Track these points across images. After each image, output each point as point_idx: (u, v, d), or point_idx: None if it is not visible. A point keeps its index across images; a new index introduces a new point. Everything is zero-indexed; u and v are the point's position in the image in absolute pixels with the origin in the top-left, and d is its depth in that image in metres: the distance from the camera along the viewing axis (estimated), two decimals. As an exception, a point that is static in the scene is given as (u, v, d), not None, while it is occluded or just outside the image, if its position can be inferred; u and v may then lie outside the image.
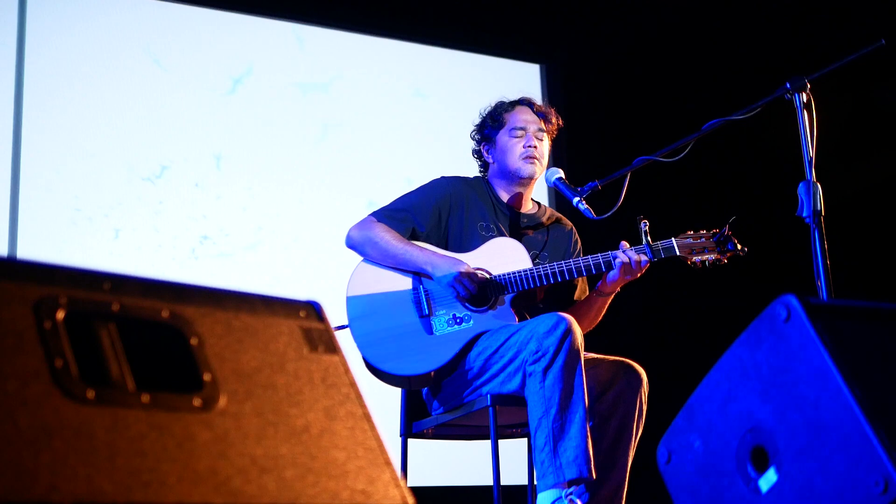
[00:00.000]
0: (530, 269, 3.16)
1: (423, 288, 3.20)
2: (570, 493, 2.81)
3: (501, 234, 3.32)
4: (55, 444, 1.09)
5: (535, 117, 3.41)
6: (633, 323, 5.29)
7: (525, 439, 3.37)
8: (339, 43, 5.45)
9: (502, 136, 3.40)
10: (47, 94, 4.72)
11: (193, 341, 1.29)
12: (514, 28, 5.90)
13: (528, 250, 3.26)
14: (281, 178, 5.14)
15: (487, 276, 3.19)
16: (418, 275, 3.22)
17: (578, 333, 2.92)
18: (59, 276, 1.22)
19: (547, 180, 3.36)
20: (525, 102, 3.46)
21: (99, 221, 4.71)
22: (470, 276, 3.14)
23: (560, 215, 3.54)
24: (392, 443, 3.24)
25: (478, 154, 3.51)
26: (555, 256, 3.36)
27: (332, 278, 3.56)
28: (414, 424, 3.31)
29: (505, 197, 3.42)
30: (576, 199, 3.20)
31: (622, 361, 3.14)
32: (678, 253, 3.15)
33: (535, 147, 3.36)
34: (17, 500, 1.03)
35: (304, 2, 5.40)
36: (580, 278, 3.34)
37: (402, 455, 3.30)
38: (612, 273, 3.15)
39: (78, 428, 1.12)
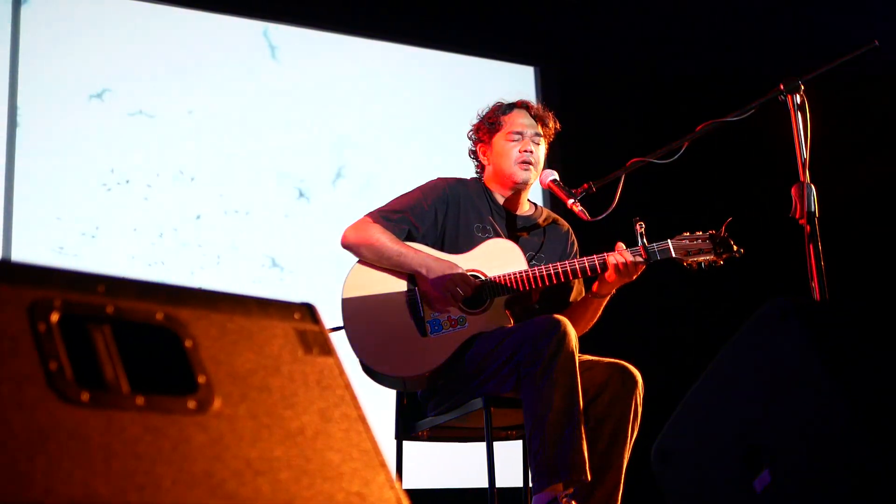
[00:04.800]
0: (525, 271, 3.16)
1: (419, 289, 3.20)
2: (566, 495, 2.81)
3: (497, 236, 3.32)
4: (50, 447, 1.09)
5: (531, 121, 3.40)
6: (628, 325, 5.29)
7: (520, 441, 3.37)
8: (335, 46, 5.45)
9: (499, 140, 3.40)
10: (42, 96, 4.72)
11: (188, 343, 1.29)
12: (508, 30, 5.91)
13: (525, 252, 3.26)
14: (276, 179, 5.14)
15: (482, 278, 3.19)
16: (414, 276, 3.21)
17: (573, 335, 2.92)
18: (53, 278, 1.22)
19: (541, 182, 3.36)
20: (523, 106, 3.45)
21: (95, 223, 4.70)
22: (465, 279, 3.14)
23: (556, 216, 3.54)
24: (387, 445, 3.24)
25: (474, 155, 3.51)
26: (551, 258, 3.36)
27: (327, 279, 3.56)
28: (409, 426, 3.31)
29: (501, 198, 3.42)
30: (570, 201, 3.20)
31: (617, 363, 3.14)
32: (674, 255, 3.15)
33: (531, 152, 3.35)
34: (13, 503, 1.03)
35: (302, 4, 5.40)
36: (576, 280, 3.34)
37: (396, 457, 3.30)
38: (607, 275, 3.15)
39: (73, 431, 1.12)
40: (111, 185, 4.77)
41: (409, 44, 5.64)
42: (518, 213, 3.44)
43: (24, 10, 4.74)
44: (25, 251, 4.53)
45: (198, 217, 4.92)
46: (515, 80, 5.76)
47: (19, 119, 4.65)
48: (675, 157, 3.01)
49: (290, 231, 5.11)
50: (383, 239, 3.22)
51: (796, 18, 5.90)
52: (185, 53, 5.08)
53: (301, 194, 5.19)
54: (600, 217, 3.12)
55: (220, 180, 5.01)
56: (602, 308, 3.32)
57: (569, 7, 5.97)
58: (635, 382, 3.10)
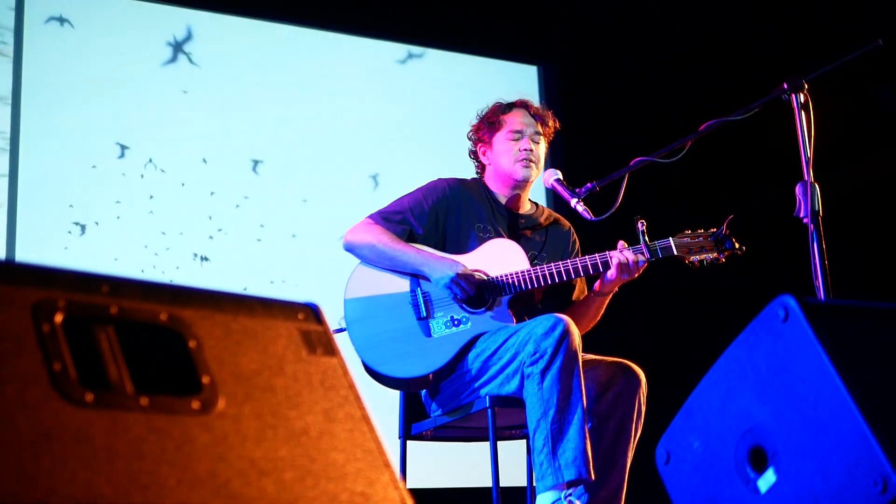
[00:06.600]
0: (528, 271, 3.16)
1: (421, 290, 3.20)
2: (570, 495, 2.81)
3: (499, 236, 3.31)
4: (54, 448, 1.09)
5: (531, 120, 3.40)
6: (631, 324, 5.29)
7: (524, 441, 3.37)
8: (337, 45, 5.45)
9: (499, 139, 3.39)
10: (45, 98, 4.72)
11: (192, 344, 1.29)
12: (511, 29, 5.90)
13: (526, 251, 3.25)
14: (279, 180, 5.14)
15: (485, 277, 3.19)
16: (416, 277, 3.21)
17: (576, 334, 2.92)
18: (57, 279, 1.22)
19: (544, 182, 3.36)
20: (522, 105, 3.44)
21: (97, 224, 4.70)
22: (467, 278, 3.14)
23: (558, 216, 3.53)
24: (391, 445, 3.24)
25: (474, 155, 3.50)
26: (553, 257, 3.36)
27: (330, 280, 3.55)
28: (413, 426, 3.31)
29: (502, 198, 3.42)
30: (573, 201, 3.20)
31: (621, 362, 3.14)
32: (676, 252, 3.15)
33: (532, 150, 3.35)
34: (17, 504, 1.03)
35: (303, 3, 5.40)
36: (578, 279, 3.34)
37: (401, 457, 3.30)
38: (609, 273, 3.15)
39: (77, 431, 1.12)
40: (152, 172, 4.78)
41: (411, 43, 5.64)
42: (520, 212, 3.44)
43: (28, 8, 4.75)
44: (29, 251, 4.53)
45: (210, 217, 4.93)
46: (518, 80, 5.75)
47: (22, 115, 4.65)
48: (679, 156, 3.01)
49: (288, 234, 5.11)
50: (385, 239, 3.22)
51: (800, 17, 5.89)
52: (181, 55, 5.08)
53: (305, 202, 5.19)
54: (603, 216, 3.12)
55: (226, 180, 5.01)
56: (605, 306, 3.32)
57: (571, 6, 5.97)
58: (639, 381, 3.10)
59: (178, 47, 5.04)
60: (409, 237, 3.28)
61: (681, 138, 3.00)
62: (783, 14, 5.95)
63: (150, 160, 4.88)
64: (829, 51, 2.81)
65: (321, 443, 1.32)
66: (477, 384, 3.08)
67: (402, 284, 3.22)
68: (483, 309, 3.17)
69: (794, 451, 1.61)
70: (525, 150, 3.34)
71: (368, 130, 5.40)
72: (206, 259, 4.90)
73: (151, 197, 4.85)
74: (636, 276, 3.17)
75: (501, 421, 3.19)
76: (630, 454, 3.07)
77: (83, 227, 4.68)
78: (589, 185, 3.19)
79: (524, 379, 2.92)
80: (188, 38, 5.09)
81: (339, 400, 1.38)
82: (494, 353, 3.03)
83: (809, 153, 2.64)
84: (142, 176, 4.84)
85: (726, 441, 1.74)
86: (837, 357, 1.56)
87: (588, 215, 3.17)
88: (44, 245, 4.59)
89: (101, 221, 4.72)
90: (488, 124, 3.43)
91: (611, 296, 3.29)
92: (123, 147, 4.84)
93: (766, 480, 1.66)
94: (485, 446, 3.13)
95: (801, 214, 2.62)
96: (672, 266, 3.27)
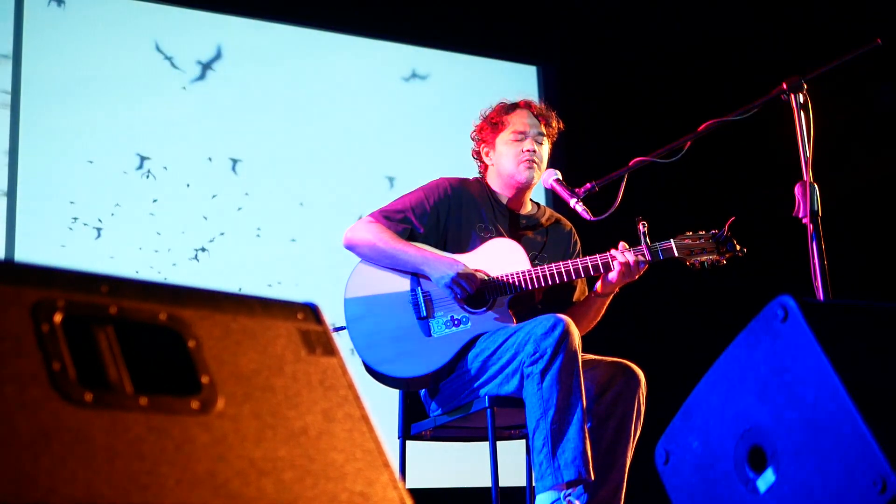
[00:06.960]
0: (528, 271, 3.16)
1: (421, 289, 3.20)
2: (569, 495, 2.81)
3: (500, 236, 3.31)
4: (54, 448, 1.09)
5: (535, 121, 3.39)
6: (631, 324, 5.29)
7: (524, 441, 3.37)
8: (337, 44, 5.45)
9: (501, 140, 3.39)
10: (44, 97, 4.72)
11: (191, 344, 1.29)
12: (510, 29, 5.90)
13: (527, 251, 3.25)
14: (279, 179, 5.14)
15: (485, 277, 3.19)
16: (416, 276, 3.21)
17: (576, 335, 2.92)
18: (56, 278, 1.22)
19: (544, 182, 3.36)
20: (525, 105, 3.43)
21: (96, 224, 4.70)
22: (467, 277, 3.13)
23: (559, 216, 3.53)
24: (390, 445, 3.24)
25: (477, 155, 3.50)
26: (554, 257, 3.36)
27: (330, 280, 3.56)
28: (412, 426, 3.31)
29: (504, 198, 3.42)
30: (573, 201, 3.20)
31: (620, 363, 3.14)
32: (677, 254, 3.15)
33: (534, 151, 3.35)
34: (16, 504, 1.03)
35: (301, 4, 5.40)
36: (579, 279, 3.34)
37: (400, 457, 3.30)
38: (610, 275, 3.15)
39: (76, 431, 1.12)
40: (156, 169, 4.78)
41: (410, 43, 5.64)
42: (521, 212, 3.44)
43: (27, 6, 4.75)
44: (28, 251, 4.53)
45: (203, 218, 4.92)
46: (518, 80, 5.75)
47: (21, 115, 4.65)
48: (678, 156, 3.01)
49: (288, 233, 5.11)
50: (385, 238, 3.22)
51: (799, 17, 5.89)
52: (182, 54, 5.09)
53: (302, 204, 5.19)
54: (602, 217, 3.12)
55: (225, 180, 5.01)
56: (605, 307, 3.32)
57: (571, 6, 5.97)
58: (638, 381, 3.10)
59: (206, 64, 5.05)
60: (410, 236, 3.28)
61: (680, 138, 3.00)
62: (783, 14, 5.95)
63: (152, 160, 4.88)
64: (829, 51, 2.81)
65: (320, 443, 1.32)
66: (476, 384, 3.08)
67: (403, 283, 3.21)
68: (483, 309, 3.17)
69: (793, 451, 1.61)
70: (528, 151, 3.34)
71: (366, 130, 5.40)
72: (205, 250, 4.90)
73: (155, 201, 4.85)
74: (637, 277, 3.17)
75: (501, 421, 3.19)
76: (629, 454, 3.07)
77: (83, 226, 4.68)
78: (588, 185, 3.19)
79: (524, 379, 2.92)
80: (190, 39, 5.09)
81: (339, 400, 1.38)
82: (494, 353, 3.03)
83: (809, 153, 2.64)
84: (147, 176, 4.84)
85: (725, 441, 1.74)
86: (837, 357, 1.56)
87: (587, 215, 3.17)
88: (43, 244, 4.59)
89: (103, 220, 4.72)
90: (491, 125, 3.42)
91: (611, 297, 3.29)
92: (126, 148, 4.84)
93: (766, 480, 1.66)
94: (484, 446, 3.13)
95: (801, 214, 2.62)
96: (672, 266, 3.27)
